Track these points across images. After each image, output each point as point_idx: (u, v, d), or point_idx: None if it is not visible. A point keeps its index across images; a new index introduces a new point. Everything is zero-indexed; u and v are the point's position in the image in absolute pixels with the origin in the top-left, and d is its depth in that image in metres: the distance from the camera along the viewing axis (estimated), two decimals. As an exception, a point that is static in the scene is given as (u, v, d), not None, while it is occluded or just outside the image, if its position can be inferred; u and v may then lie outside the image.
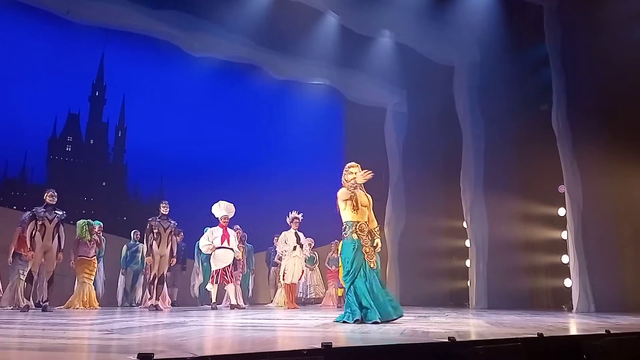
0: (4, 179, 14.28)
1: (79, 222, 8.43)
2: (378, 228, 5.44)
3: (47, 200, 7.36)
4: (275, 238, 10.59)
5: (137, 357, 2.04)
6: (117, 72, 14.63)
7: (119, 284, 9.52)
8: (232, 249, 8.72)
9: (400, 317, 4.96)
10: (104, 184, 17.84)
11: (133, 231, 9.80)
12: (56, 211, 7.38)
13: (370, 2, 10.11)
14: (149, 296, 8.19)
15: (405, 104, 12.42)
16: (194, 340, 3.18)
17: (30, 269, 7.17)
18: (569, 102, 8.63)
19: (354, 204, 5.16)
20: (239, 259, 9.24)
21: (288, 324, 4.60)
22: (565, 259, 9.30)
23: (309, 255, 9.51)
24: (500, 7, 10.22)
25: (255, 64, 11.99)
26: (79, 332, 3.93)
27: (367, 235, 5.17)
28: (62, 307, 7.86)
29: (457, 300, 11.28)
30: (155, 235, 7.99)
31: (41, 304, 7.28)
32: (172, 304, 9.31)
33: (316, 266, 11.23)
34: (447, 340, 2.99)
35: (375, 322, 4.63)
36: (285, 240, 9.28)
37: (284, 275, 9.20)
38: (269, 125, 14.26)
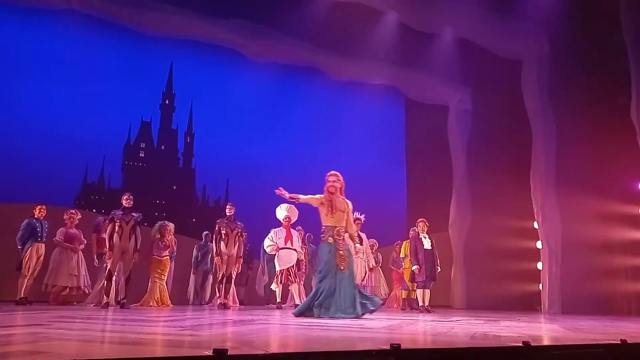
0: (84, 184, 15.38)
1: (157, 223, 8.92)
2: (357, 234, 5.87)
3: (123, 203, 7.79)
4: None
5: (213, 352, 2.11)
6: (185, 80, 15.37)
7: (190, 283, 9.90)
8: (295, 249, 8.85)
9: (372, 312, 5.39)
10: (174, 187, 18.76)
11: (205, 233, 10.14)
12: (132, 214, 7.81)
13: (430, -3, 9.93)
14: (217, 295, 8.49)
15: (469, 101, 12.07)
16: (263, 338, 3.25)
17: (109, 268, 7.64)
18: (651, 92, 8.04)
19: (329, 208, 5.55)
20: (302, 260, 9.35)
21: (354, 324, 4.60)
22: (649, 261, 8.66)
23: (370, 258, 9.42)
24: (570, -5, 9.71)
25: (315, 66, 12.10)
26: (154, 328, 4.13)
27: (343, 240, 5.57)
28: (137, 304, 8.30)
29: (527, 304, 10.79)
30: (223, 236, 8.27)
31: (120, 301, 7.74)
32: (240, 303, 9.59)
33: (378, 267, 11.09)
34: (521, 344, 2.86)
35: (335, 317, 5.07)
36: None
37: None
38: (330, 126, 14.38)
